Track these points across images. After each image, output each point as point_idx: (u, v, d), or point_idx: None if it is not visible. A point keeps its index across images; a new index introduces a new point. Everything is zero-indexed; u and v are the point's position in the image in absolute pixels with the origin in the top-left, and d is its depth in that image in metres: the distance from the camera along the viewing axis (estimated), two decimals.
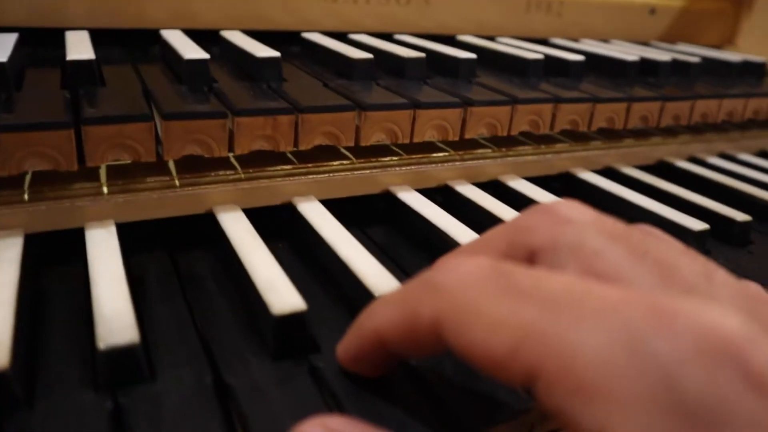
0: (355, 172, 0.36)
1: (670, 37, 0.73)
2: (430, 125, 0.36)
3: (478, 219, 0.35)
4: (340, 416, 0.18)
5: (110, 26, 0.42)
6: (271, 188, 0.33)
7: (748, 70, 0.61)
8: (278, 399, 0.22)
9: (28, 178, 0.30)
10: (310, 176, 0.35)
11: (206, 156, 0.30)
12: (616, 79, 0.51)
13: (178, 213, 0.31)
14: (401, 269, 0.32)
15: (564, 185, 0.44)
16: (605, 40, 0.67)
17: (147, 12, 0.43)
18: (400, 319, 0.19)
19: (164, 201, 0.31)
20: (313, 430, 0.17)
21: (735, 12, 0.78)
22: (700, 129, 0.53)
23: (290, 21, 0.48)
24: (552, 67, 0.49)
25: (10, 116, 0.27)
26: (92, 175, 0.31)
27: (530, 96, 0.40)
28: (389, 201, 0.37)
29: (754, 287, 0.20)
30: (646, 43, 0.70)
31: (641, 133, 0.50)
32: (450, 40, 0.55)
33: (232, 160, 0.35)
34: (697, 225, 0.36)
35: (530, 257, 0.20)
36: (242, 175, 0.33)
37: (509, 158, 0.42)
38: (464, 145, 0.41)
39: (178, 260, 0.30)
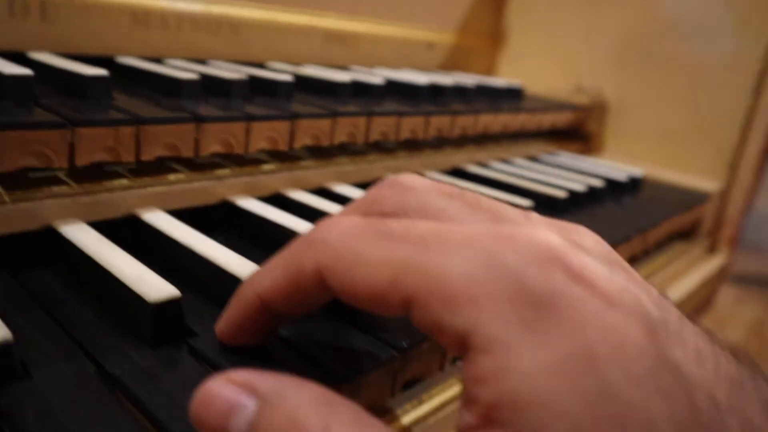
0: (194, 183, 0.37)
1: (446, 67, 0.85)
2: (262, 136, 0.39)
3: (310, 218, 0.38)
4: (243, 369, 0.20)
5: None
6: (112, 201, 0.33)
7: (511, 92, 0.73)
8: (167, 380, 0.23)
9: None
10: (149, 188, 0.35)
11: (43, 167, 0.30)
12: (412, 99, 0.58)
13: (11, 230, 0.30)
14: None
15: None
16: (396, 69, 0.76)
17: None
18: (284, 277, 0.22)
19: None
20: (219, 385, 0.19)
21: (494, 48, 0.93)
22: (482, 139, 0.63)
23: (100, 46, 0.48)
24: (357, 89, 0.54)
25: None
26: None
27: (348, 110, 0.45)
28: (227, 209, 0.39)
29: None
30: (428, 72, 0.80)
31: (438, 144, 0.58)
32: (260, 67, 0.59)
33: (64, 176, 0.34)
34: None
35: None
36: (78, 190, 0.33)
37: (330, 168, 0.46)
38: (290, 158, 0.44)
39: (22, 278, 0.29)
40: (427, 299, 0.19)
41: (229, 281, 0.28)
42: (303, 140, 0.42)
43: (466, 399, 0.19)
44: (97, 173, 0.34)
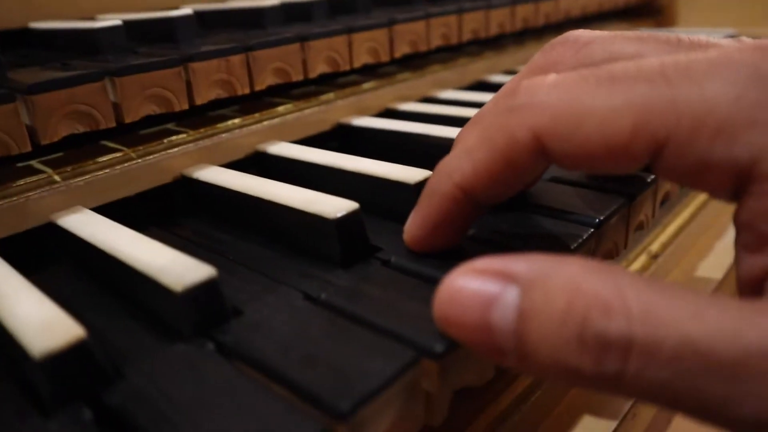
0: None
1: None
2: (364, 48, 0.36)
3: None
4: (482, 258, 0.17)
5: None
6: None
7: None
8: (378, 294, 0.20)
9: None
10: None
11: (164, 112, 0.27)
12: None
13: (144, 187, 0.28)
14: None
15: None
16: None
17: None
18: (490, 155, 0.19)
19: None
20: (465, 279, 0.17)
21: None
22: (563, 26, 0.58)
23: None
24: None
25: None
26: None
27: (325, 30, 0.35)
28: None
29: None
30: None
31: (521, 37, 0.54)
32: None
33: (176, 127, 0.32)
34: None
35: None
36: (197, 135, 0.31)
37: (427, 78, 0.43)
38: (387, 74, 0.41)
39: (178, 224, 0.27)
40: (690, 136, 0.16)
41: (398, 190, 0.25)
42: (402, 48, 0.39)
43: (752, 241, 0.16)
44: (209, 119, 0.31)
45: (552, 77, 0.19)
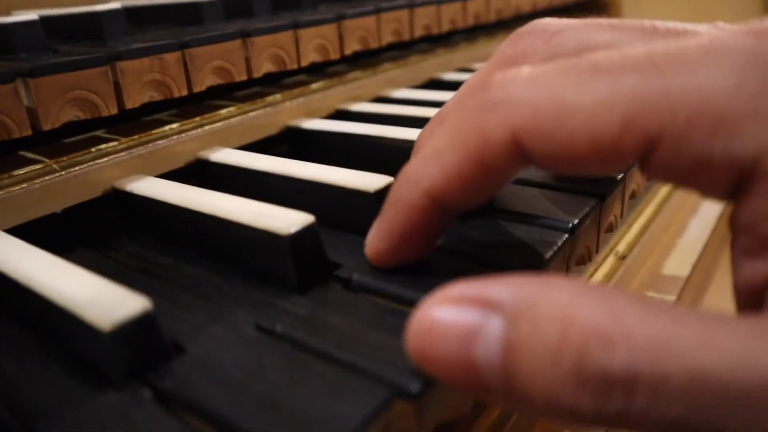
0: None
1: None
2: (312, 46, 0.34)
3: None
4: (457, 284, 0.15)
5: None
6: (170, 149, 0.28)
7: None
8: (339, 323, 0.18)
9: None
10: (206, 127, 0.29)
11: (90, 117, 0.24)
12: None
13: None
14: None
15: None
16: None
17: None
18: (462, 158, 0.17)
19: None
20: (440, 310, 0.14)
21: None
22: (516, 21, 0.57)
23: None
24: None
25: None
26: None
27: (270, 25, 0.32)
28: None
29: None
30: None
31: (472, 34, 0.52)
32: None
33: (104, 134, 0.29)
34: None
35: None
36: (130, 143, 0.27)
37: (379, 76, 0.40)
38: (337, 73, 0.39)
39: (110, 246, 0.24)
40: (685, 130, 0.14)
41: (357, 198, 0.23)
42: (352, 45, 0.36)
43: (752, 245, 0.15)
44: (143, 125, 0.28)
45: (527, 70, 0.17)
